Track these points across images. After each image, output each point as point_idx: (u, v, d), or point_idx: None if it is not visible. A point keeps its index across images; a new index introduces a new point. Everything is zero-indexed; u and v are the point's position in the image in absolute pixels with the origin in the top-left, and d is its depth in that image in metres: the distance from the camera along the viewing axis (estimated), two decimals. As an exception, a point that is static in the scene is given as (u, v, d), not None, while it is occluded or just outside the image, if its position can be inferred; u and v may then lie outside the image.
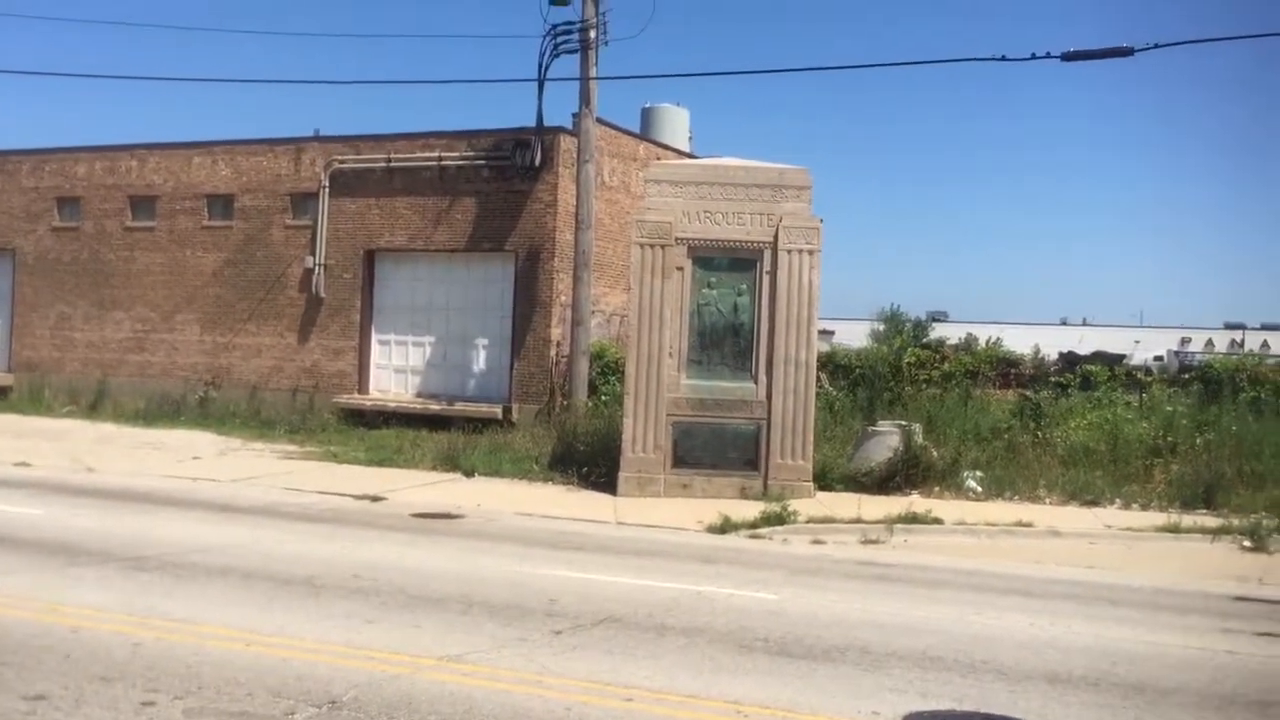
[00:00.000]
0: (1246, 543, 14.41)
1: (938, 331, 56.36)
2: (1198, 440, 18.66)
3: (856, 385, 22.74)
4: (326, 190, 26.36)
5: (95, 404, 27.34)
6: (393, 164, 25.76)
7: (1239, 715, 7.37)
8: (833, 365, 23.47)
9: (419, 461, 20.00)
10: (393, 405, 25.39)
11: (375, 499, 16.43)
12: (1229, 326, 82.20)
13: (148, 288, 28.79)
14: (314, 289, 26.46)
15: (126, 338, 29.04)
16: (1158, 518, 15.69)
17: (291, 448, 22.20)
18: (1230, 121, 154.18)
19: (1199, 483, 16.97)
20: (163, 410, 26.16)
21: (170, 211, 28.65)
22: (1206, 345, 71.46)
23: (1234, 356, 27.13)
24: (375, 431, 23.72)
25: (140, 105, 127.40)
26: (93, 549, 11.67)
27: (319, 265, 26.36)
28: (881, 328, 55.94)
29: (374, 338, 26.50)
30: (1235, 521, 15.15)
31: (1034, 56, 16.90)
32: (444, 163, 25.22)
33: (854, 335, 51.38)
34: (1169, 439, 18.82)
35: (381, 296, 26.50)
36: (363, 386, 26.32)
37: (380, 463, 20.04)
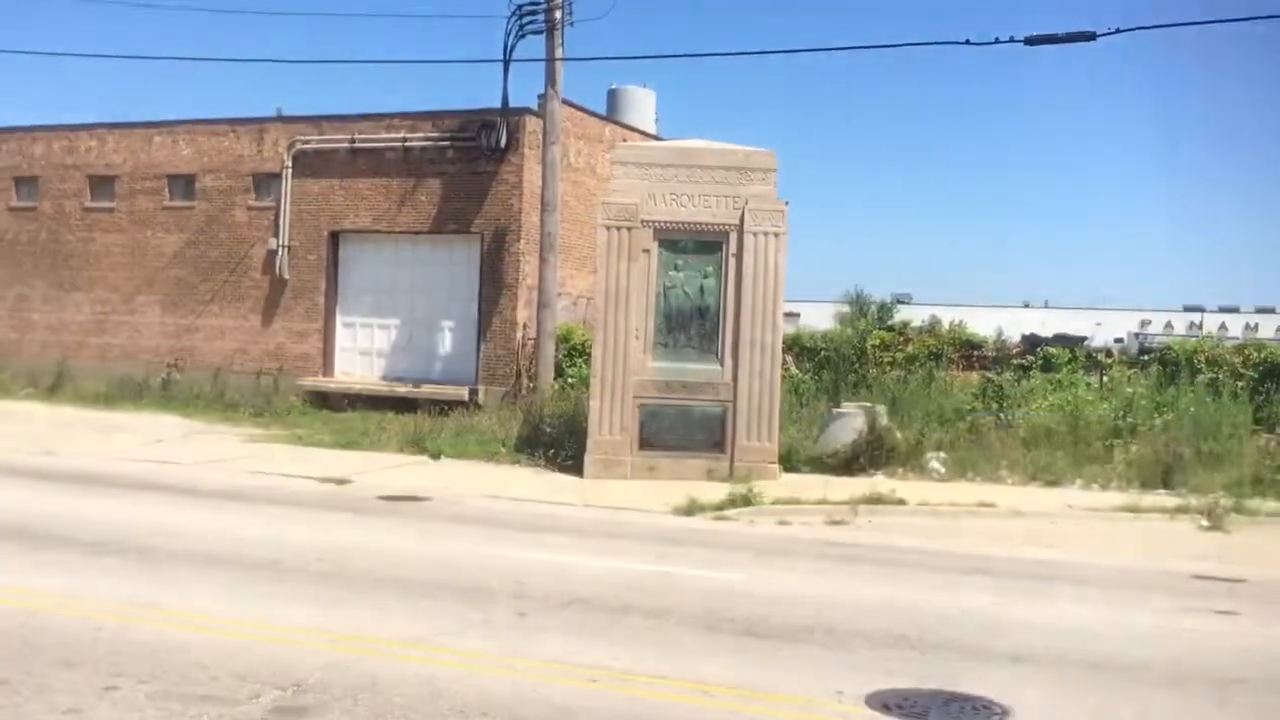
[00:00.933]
0: (1204, 522, 14.61)
1: (902, 314, 56.67)
2: (1157, 421, 18.88)
3: (822, 367, 22.84)
4: (290, 171, 26.11)
5: (55, 387, 26.97)
6: (357, 145, 25.54)
7: (1198, 691, 7.49)
8: (798, 348, 23.56)
9: (385, 444, 19.90)
10: (358, 388, 25.25)
11: (341, 482, 16.34)
12: (1188, 309, 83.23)
13: (108, 269, 28.43)
14: (278, 271, 26.24)
15: (87, 320, 28.68)
16: (1118, 498, 15.88)
17: (256, 431, 22.03)
18: (1189, 106, 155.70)
19: (1158, 463, 17.18)
20: (125, 393, 25.86)
21: (130, 192, 28.29)
22: (1166, 327, 72.34)
23: (1192, 339, 27.43)
24: (341, 414, 23.58)
25: (100, 84, 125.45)
26: (54, 533, 11.53)
27: (282, 247, 26.13)
28: (847, 310, 56.21)
29: (339, 320, 26.32)
30: (1193, 501, 15.35)
31: (997, 41, 16.91)
32: (409, 144, 25.04)
33: (820, 318, 51.60)
34: (1129, 420, 19.04)
35: (346, 278, 26.32)
36: (328, 369, 26.16)
37: (346, 446, 19.92)
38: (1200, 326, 68.61)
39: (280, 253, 26.13)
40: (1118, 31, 16.99)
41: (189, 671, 7.09)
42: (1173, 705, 7.15)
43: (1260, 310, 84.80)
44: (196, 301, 27.35)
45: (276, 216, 26.28)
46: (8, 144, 29.80)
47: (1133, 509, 15.19)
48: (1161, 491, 16.33)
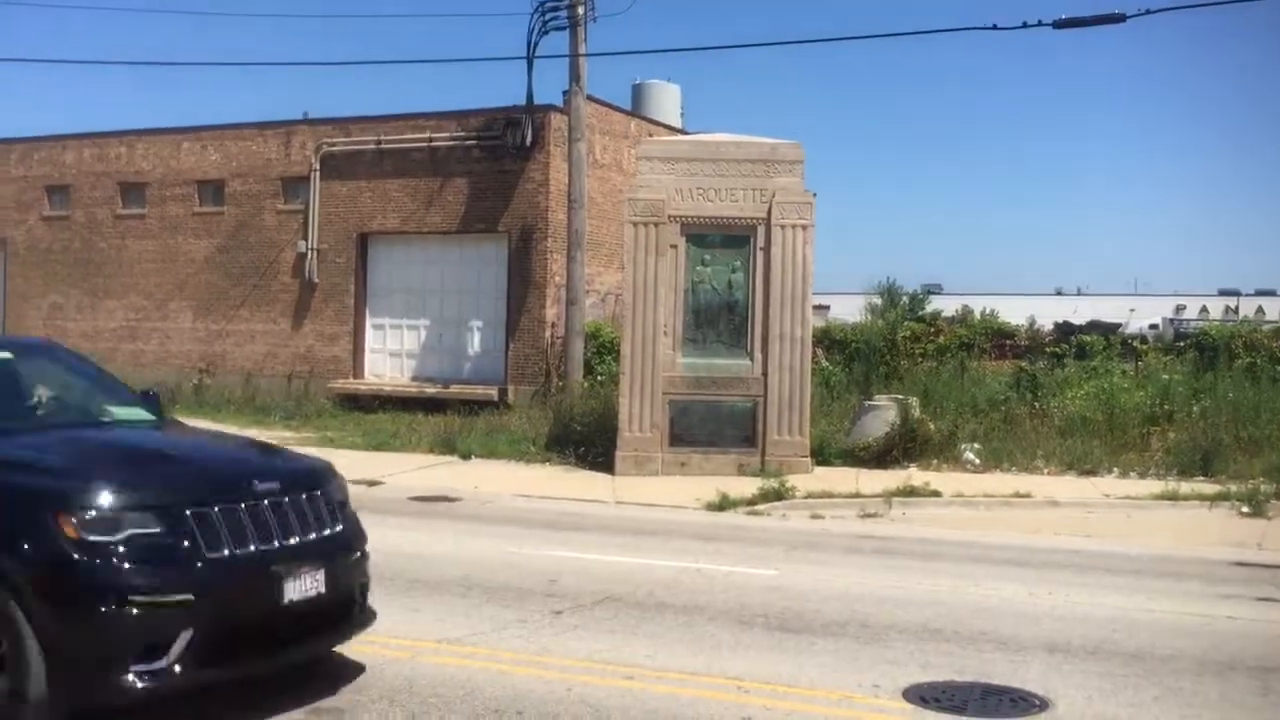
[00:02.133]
0: (1244, 509, 14.43)
1: (933, 304, 56.41)
2: (1194, 408, 18.68)
3: (852, 360, 22.74)
4: (317, 174, 26.24)
5: (90, 394, 27.22)
6: (383, 146, 25.63)
7: (1239, 680, 7.38)
8: (828, 340, 23.46)
9: (415, 445, 19.96)
10: (388, 389, 25.35)
11: (372, 483, 16.40)
12: (1223, 293, 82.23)
13: (140, 276, 28.70)
14: (307, 274, 26.38)
15: (120, 326, 28.95)
16: (1155, 486, 15.70)
17: (287, 434, 22.13)
18: (1222, 87, 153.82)
19: (1196, 450, 16.98)
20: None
21: (160, 198, 28.52)
22: (1201, 312, 71.53)
23: (1229, 323, 27.17)
24: (371, 416, 23.68)
25: (128, 91, 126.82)
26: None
27: (311, 250, 26.27)
28: (877, 302, 55.93)
29: (368, 322, 26.43)
30: (1233, 488, 15.16)
31: (1025, 25, 16.82)
32: (435, 143, 25.10)
33: (850, 310, 51.35)
34: (1165, 407, 18.84)
35: (375, 280, 26.42)
36: (358, 371, 26.28)
37: (377, 447, 20.00)
38: (1236, 310, 67.79)
39: (309, 256, 26.26)
40: (1148, 13, 16.82)
41: (224, 675, 7.10)
42: (1213, 695, 7.04)
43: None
44: (227, 306, 27.55)
45: (305, 220, 26.43)
46: (39, 153, 30.14)
47: (1171, 497, 15.02)
48: (1200, 479, 16.14)
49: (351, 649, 7.68)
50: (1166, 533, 13.34)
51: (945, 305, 56.13)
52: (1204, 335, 21.95)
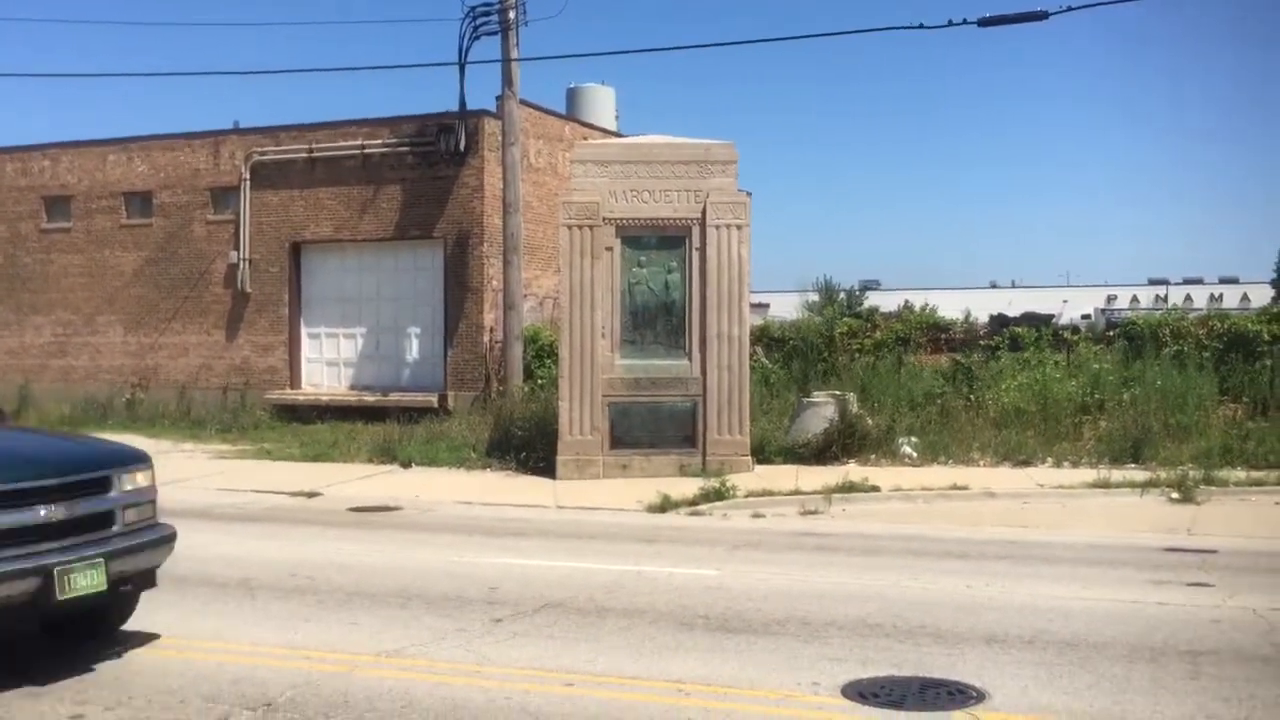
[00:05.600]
0: (1174, 494, 14.72)
1: (871, 300, 56.91)
2: (1124, 396, 19.03)
3: (791, 357, 22.87)
4: (248, 183, 25.89)
5: (18, 411, 26.50)
6: (315, 154, 25.35)
7: (1170, 665, 7.51)
8: (767, 338, 23.58)
9: (355, 455, 19.77)
10: (326, 399, 25.08)
11: (311, 495, 16.22)
12: (1153, 282, 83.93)
13: (67, 290, 28.11)
14: (240, 284, 26.01)
15: (48, 342, 28.35)
16: (1088, 474, 15.96)
17: (224, 447, 21.83)
18: (1146, 82, 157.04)
19: (1127, 438, 17.30)
20: (89, 415, 25.56)
21: (87, 211, 27.97)
22: (1132, 302, 72.94)
23: (1157, 312, 27.66)
24: (310, 426, 23.40)
25: (51, 105, 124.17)
26: (18, 561, 11.34)
27: (243, 260, 25.91)
28: (815, 299, 56.34)
29: (304, 331, 26.13)
30: (1163, 474, 15.45)
31: (951, 23, 17.03)
32: (367, 151, 24.88)
33: (789, 308, 51.66)
34: (1096, 396, 19.18)
35: (310, 289, 26.12)
36: (295, 381, 25.96)
37: (316, 458, 19.78)
38: (1165, 300, 69.21)
39: (242, 266, 25.91)
40: (1069, 10, 17.12)
41: (156, 696, 6.98)
42: (1145, 680, 7.17)
43: (1224, 281, 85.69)
44: (159, 319, 27.09)
45: (236, 230, 26.06)
46: (-41, 168, 29.39)
47: (1103, 485, 15.28)
48: (1131, 466, 16.44)
49: (274, 664, 7.58)
50: (1100, 520, 13.57)
51: (883, 301, 56.69)
52: (1132, 324, 22.36)
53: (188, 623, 8.80)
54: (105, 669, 7.57)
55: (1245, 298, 70.28)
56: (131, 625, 8.70)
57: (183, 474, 18.34)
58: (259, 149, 25.88)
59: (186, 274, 26.81)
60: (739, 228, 17.35)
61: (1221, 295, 75.05)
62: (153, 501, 8.08)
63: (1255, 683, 7.11)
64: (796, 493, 15.10)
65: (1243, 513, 13.99)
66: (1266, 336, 20.49)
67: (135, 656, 7.86)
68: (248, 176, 25.87)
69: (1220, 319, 22.06)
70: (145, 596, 9.31)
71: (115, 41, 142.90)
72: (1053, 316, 32.99)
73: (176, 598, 9.68)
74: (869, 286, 72.14)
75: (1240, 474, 15.61)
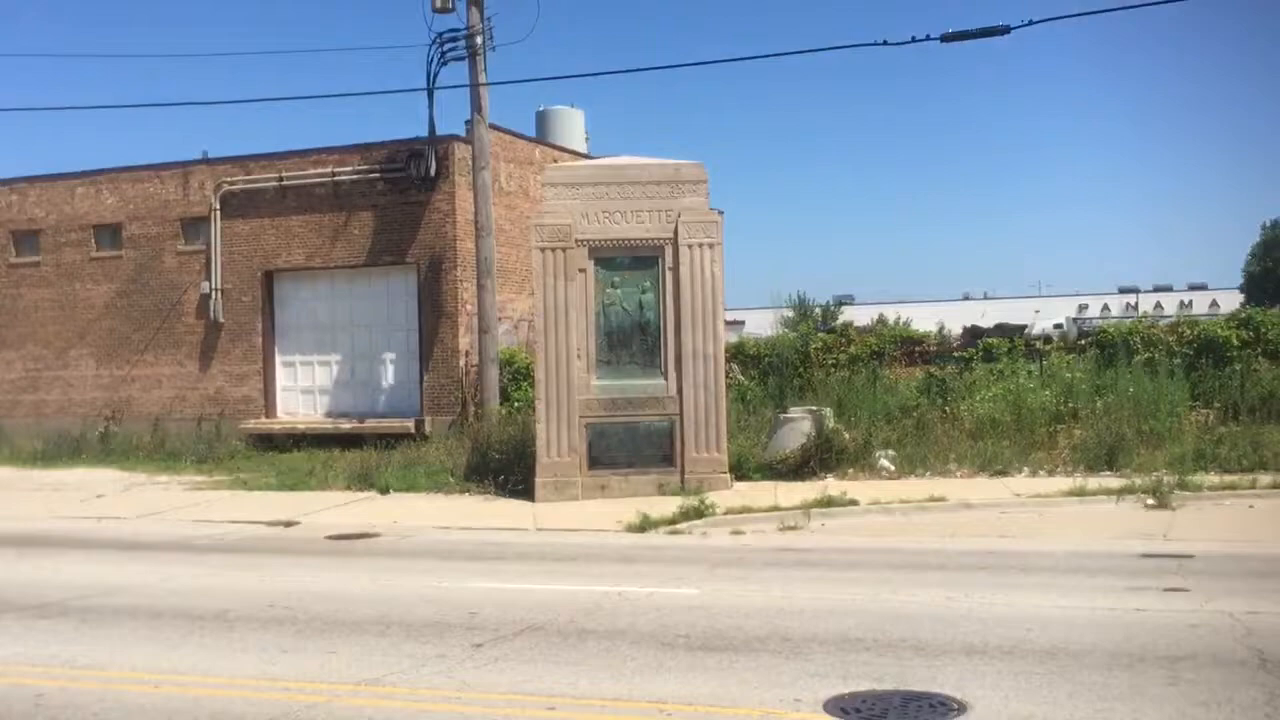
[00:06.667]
0: (1150, 501, 14.82)
1: (845, 315, 57.18)
2: (1098, 404, 19.15)
3: (767, 374, 22.92)
4: (218, 213, 25.79)
5: (-10, 448, 26.37)
6: (285, 182, 25.28)
7: (1149, 672, 7.55)
8: (743, 355, 23.63)
9: (332, 482, 19.67)
10: (302, 427, 24.94)
11: (289, 524, 16.12)
12: (1123, 290, 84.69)
13: (37, 324, 27.90)
14: (212, 314, 25.87)
15: (19, 378, 28.09)
16: (1064, 483, 16.06)
17: (200, 478, 21.67)
18: (1113, 94, 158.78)
19: (1101, 446, 17.42)
20: (62, 450, 25.34)
21: (56, 245, 27.79)
22: (1103, 310, 73.55)
23: (1128, 320, 27.89)
24: (286, 455, 23.26)
25: (17, 139, 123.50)
26: (-9, 600, 11.23)
27: (215, 290, 25.78)
28: (789, 315, 56.55)
29: (278, 360, 25.99)
30: (1137, 481, 15.56)
31: (914, 39, 17.16)
32: (338, 178, 24.84)
33: (763, 324, 51.82)
34: (1070, 405, 19.29)
35: (283, 317, 26.01)
36: (270, 410, 25.80)
37: (292, 487, 19.66)
38: (1136, 307, 69.80)
39: (214, 296, 25.78)
40: (1031, 23, 17.34)
41: (134, 733, 6.90)
42: (1124, 687, 7.20)
43: (1193, 288, 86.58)
44: (131, 351, 26.90)
45: (208, 260, 25.94)
46: (-74, 204, 29.14)
47: (1079, 493, 15.37)
48: (1106, 473, 16.55)
49: (252, 696, 7.52)
50: (1077, 529, 13.64)
51: (858, 315, 57.00)
52: (1103, 333, 22.52)
53: (164, 656, 8.71)
54: (82, 706, 7.47)
55: (1214, 304, 71.00)
56: (107, 661, 8.62)
57: (158, 507, 18.21)
58: (229, 179, 25.80)
59: (158, 305, 26.65)
60: (711, 246, 17.42)
61: (1191, 302, 75.80)
62: None
63: (1233, 687, 7.16)
64: (775, 509, 15.12)
65: (1217, 517, 14.10)
66: (1236, 342, 20.68)
67: (112, 693, 7.77)
68: (218, 206, 25.77)
69: (1190, 326, 22.25)
70: (123, 630, 9.24)
71: (81, 74, 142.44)
72: (1025, 327, 33.21)
73: (153, 631, 9.61)
74: (843, 301, 72.51)
75: (1214, 478, 15.74)
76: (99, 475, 22.57)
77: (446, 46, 22.33)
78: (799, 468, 17.64)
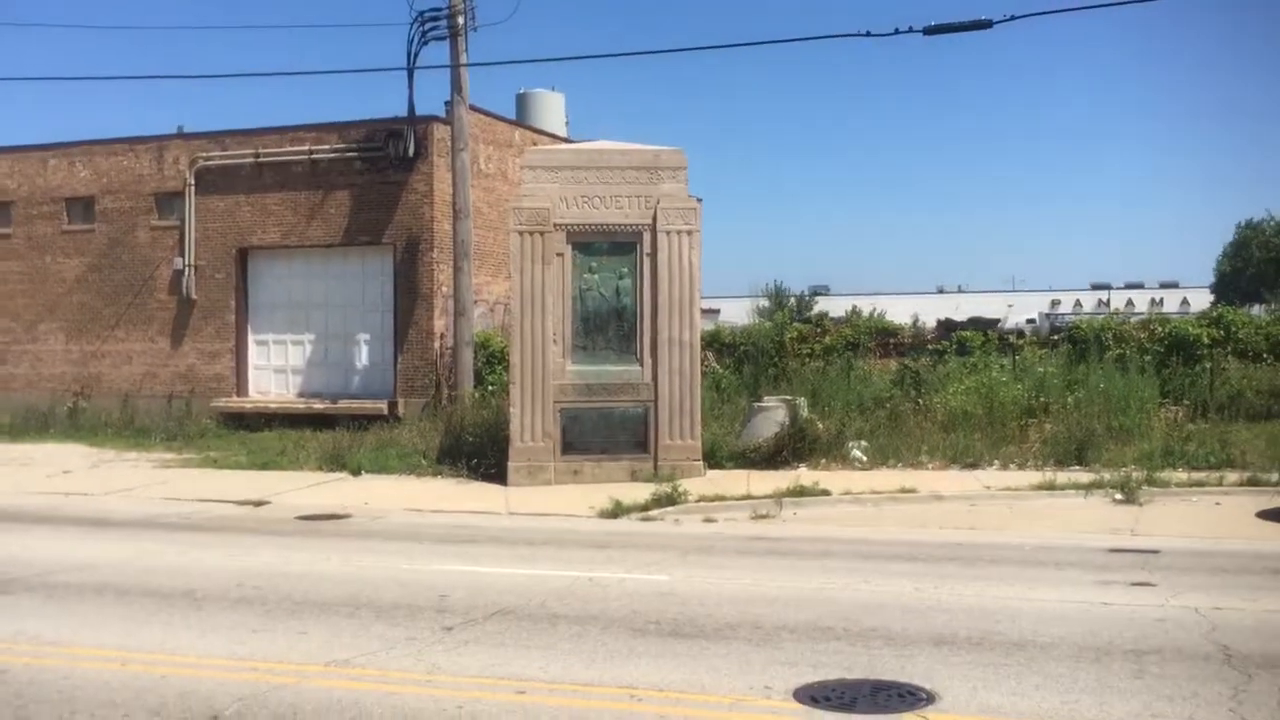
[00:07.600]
0: (1118, 495, 14.94)
1: (821, 305, 57.35)
2: (1069, 399, 19.30)
3: (742, 362, 22.98)
4: (193, 188, 25.55)
5: (-44, 422, 26.07)
6: (262, 159, 25.08)
7: (1114, 665, 7.62)
8: (718, 344, 23.68)
9: (304, 463, 19.56)
10: (274, 406, 24.79)
11: (259, 504, 16.02)
12: (1095, 287, 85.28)
13: (6, 297, 27.59)
14: (185, 291, 25.66)
15: (-13, 351, 27.78)
16: (1034, 476, 16.16)
17: (169, 456, 21.51)
18: (1086, 90, 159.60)
19: (1071, 440, 17.55)
20: (30, 424, 25.10)
21: (27, 217, 27.47)
22: (1075, 306, 74.08)
23: (1100, 316, 28.11)
24: (257, 434, 23.13)
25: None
26: (-44, 574, 11.11)
27: (189, 266, 25.57)
28: (765, 304, 56.64)
29: (251, 338, 25.81)
30: (1106, 476, 15.68)
31: (897, 31, 17.17)
32: (315, 156, 24.65)
33: (739, 313, 51.91)
34: (1041, 399, 19.44)
35: (257, 295, 25.82)
36: (242, 389, 25.64)
37: (263, 466, 19.55)
38: (1108, 304, 70.33)
39: (187, 272, 25.57)
40: (1012, 18, 17.35)
41: (99, 710, 6.85)
42: (1091, 680, 7.26)
43: (1164, 285, 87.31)
44: (101, 327, 26.65)
45: (181, 236, 25.71)
46: (-106, 173, 28.73)
47: (1048, 487, 15.48)
48: (1076, 468, 16.67)
49: (221, 676, 7.48)
50: (1046, 522, 13.74)
51: (833, 306, 57.15)
52: (1076, 329, 22.69)
53: (132, 635, 8.65)
54: (46, 683, 7.41)
55: (1185, 302, 71.63)
56: (73, 638, 8.56)
57: (126, 484, 18.06)
58: (204, 154, 25.56)
59: (130, 280, 26.41)
60: (689, 233, 17.41)
61: (1162, 300, 76.43)
62: None
63: (1199, 681, 7.23)
64: (748, 497, 15.15)
65: (1184, 513, 14.23)
66: (1206, 340, 20.89)
67: (78, 670, 7.70)
68: (193, 182, 25.53)
69: (1161, 323, 22.47)
70: (89, 607, 9.18)
71: (56, 44, 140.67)
72: (998, 321, 33.45)
73: (120, 609, 9.54)
74: (819, 292, 72.72)
75: (1181, 475, 15.88)
76: (67, 451, 22.36)
77: (428, 25, 22.18)
78: (772, 457, 17.68)
